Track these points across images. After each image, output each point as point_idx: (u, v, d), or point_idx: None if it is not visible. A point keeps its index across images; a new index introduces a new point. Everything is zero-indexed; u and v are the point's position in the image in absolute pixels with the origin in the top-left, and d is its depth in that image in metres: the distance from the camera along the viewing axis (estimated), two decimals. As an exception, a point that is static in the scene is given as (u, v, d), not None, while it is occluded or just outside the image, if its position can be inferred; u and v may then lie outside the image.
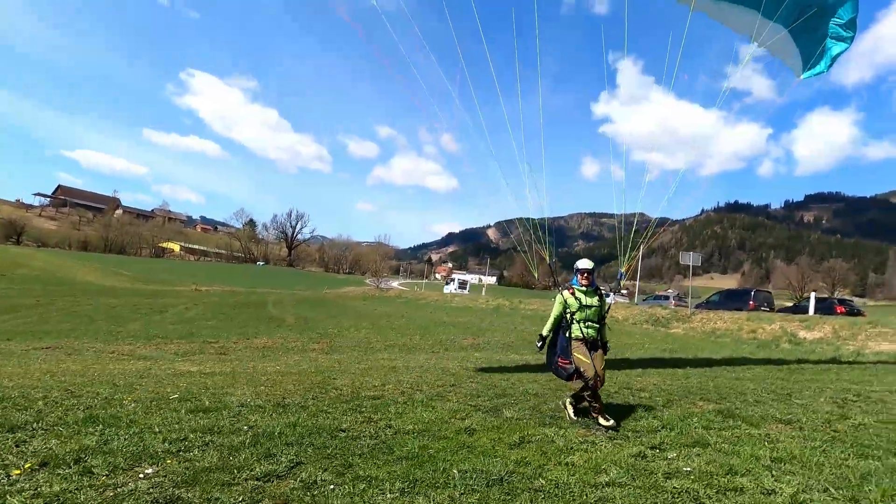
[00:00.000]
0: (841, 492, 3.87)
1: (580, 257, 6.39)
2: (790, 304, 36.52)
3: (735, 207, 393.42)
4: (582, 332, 5.89)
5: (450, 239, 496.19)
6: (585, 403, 5.87)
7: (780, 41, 8.91)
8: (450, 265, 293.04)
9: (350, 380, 7.74)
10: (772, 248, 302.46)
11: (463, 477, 3.91)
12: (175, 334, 17.63)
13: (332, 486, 3.68)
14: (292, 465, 4.07)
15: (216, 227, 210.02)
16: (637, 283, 53.19)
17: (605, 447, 4.80)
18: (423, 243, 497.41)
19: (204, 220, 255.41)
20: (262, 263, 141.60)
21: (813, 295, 26.03)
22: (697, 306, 32.80)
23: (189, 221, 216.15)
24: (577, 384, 6.01)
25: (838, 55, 8.81)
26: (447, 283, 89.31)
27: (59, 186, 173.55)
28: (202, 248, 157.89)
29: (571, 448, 4.74)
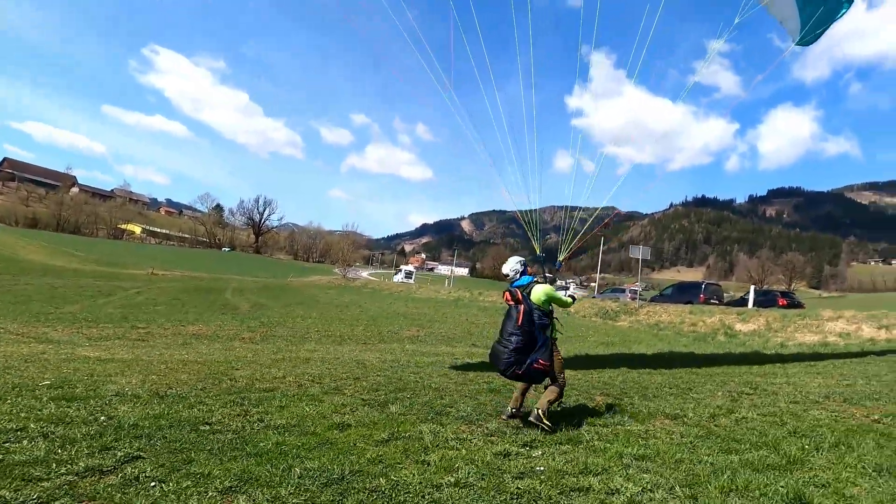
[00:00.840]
0: (684, 489, 3.86)
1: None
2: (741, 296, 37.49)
3: (702, 202, 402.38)
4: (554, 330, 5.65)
5: (424, 230, 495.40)
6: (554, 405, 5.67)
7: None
8: (423, 256, 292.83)
9: (252, 371, 7.52)
10: (736, 242, 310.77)
11: (302, 476, 3.77)
12: (108, 319, 17.00)
13: (153, 483, 3.49)
14: (126, 459, 3.86)
15: (181, 211, 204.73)
16: (598, 275, 53.94)
17: (473, 445, 4.72)
18: (397, 233, 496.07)
19: (169, 202, 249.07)
20: (227, 249, 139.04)
21: (752, 288, 26.74)
22: (653, 299, 33.41)
23: (153, 204, 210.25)
24: (551, 392, 5.47)
25: (833, 20, 8.03)
26: (396, 273, 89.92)
27: (4, 159, 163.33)
28: (165, 231, 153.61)
29: (437, 446, 4.63)
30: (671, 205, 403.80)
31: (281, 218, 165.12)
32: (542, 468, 4.17)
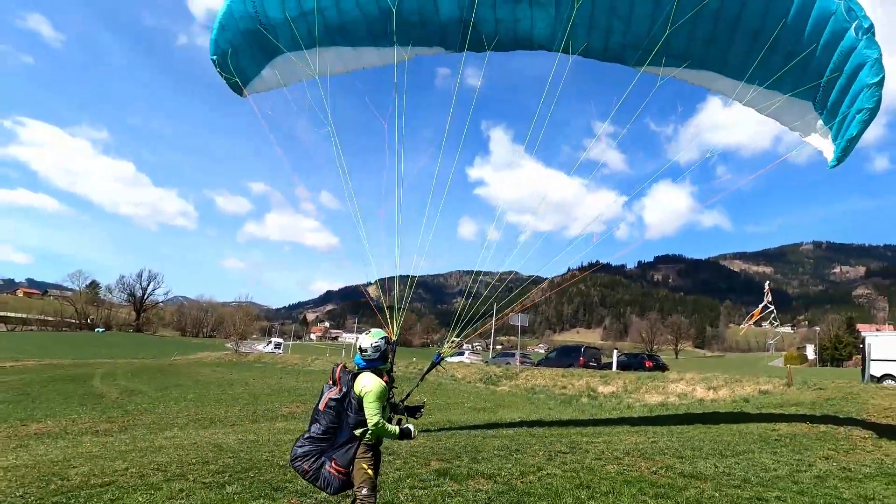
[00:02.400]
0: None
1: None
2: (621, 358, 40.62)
3: (597, 266, 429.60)
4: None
5: (329, 297, 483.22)
6: None
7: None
8: (326, 324, 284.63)
9: (91, 466, 7.42)
10: (628, 304, 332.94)
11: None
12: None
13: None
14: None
15: (46, 291, 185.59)
16: (492, 340, 55.89)
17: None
18: (300, 302, 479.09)
19: (31, 282, 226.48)
20: (101, 330, 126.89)
21: (615, 352, 29.36)
22: (539, 362, 35.28)
23: (8, 285, 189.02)
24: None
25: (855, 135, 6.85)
26: (266, 345, 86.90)
27: None
28: (22, 315, 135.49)
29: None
30: (569, 269, 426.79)
31: (168, 292, 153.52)
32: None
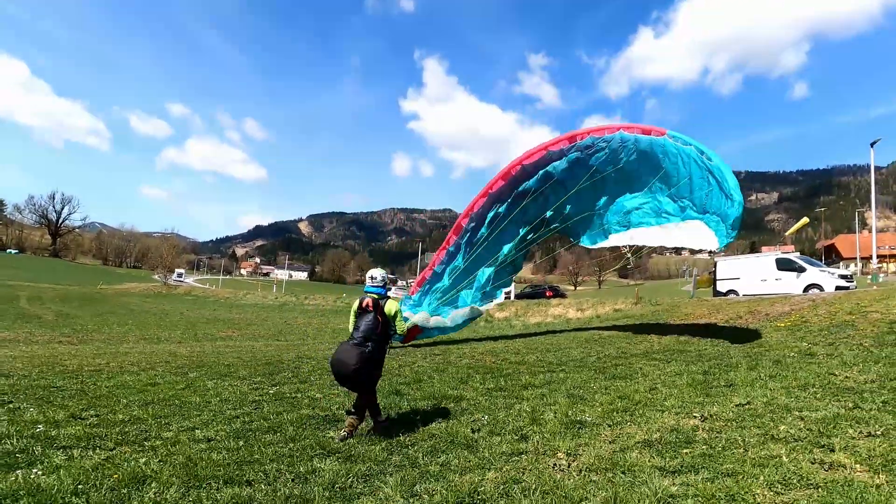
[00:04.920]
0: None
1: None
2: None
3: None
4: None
5: (258, 232, 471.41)
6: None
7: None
8: (257, 260, 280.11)
9: (79, 361, 9.95)
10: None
11: (128, 404, 6.82)
12: None
13: (31, 410, 6.31)
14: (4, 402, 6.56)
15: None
16: (417, 275, 59.56)
17: (238, 389, 8.09)
18: (228, 236, 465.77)
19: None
20: (14, 252, 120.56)
21: (513, 285, 33.60)
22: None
23: None
24: (370, 405, 5.72)
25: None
26: (173, 277, 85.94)
27: None
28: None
29: (216, 390, 7.92)
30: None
31: (85, 218, 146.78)
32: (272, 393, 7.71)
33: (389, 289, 6.18)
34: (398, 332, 5.89)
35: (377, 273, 6.00)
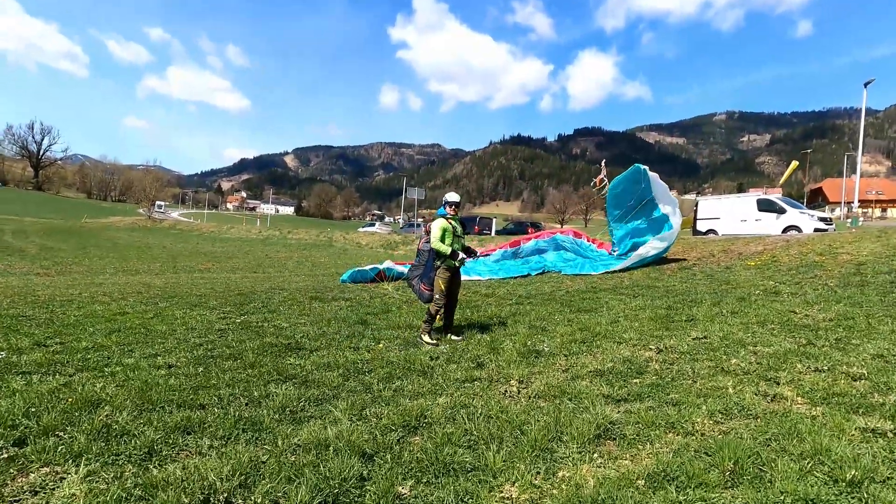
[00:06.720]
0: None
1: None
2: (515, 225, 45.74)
3: (518, 140, 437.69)
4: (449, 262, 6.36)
5: (244, 165, 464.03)
6: (439, 322, 6.82)
7: None
8: (243, 194, 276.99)
9: (52, 291, 9.93)
10: (546, 177, 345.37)
11: (93, 333, 6.83)
12: None
13: (-3, 340, 6.32)
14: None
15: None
16: (402, 212, 59.34)
17: (206, 317, 8.12)
18: (213, 169, 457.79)
19: None
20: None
21: (494, 220, 33.85)
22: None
23: None
24: (433, 307, 6.41)
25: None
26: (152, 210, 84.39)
27: None
28: None
29: (183, 318, 7.95)
30: (490, 143, 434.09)
31: (66, 149, 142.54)
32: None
33: (417, 224, 7.14)
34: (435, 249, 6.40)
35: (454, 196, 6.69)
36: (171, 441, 3.46)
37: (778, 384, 4.52)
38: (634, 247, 14.71)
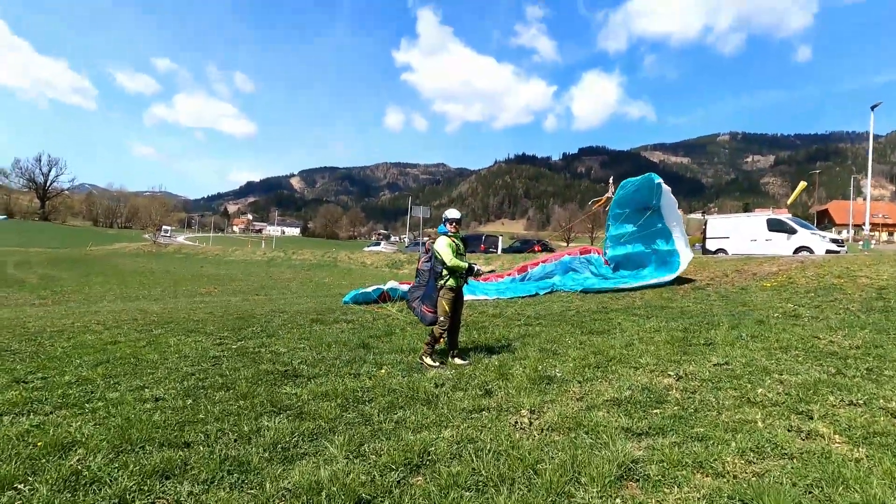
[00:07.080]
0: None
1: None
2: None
3: (523, 159, 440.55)
4: (456, 282, 6.10)
5: (249, 188, 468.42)
6: (442, 345, 6.47)
7: None
8: (249, 216, 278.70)
9: (44, 322, 9.64)
10: (552, 196, 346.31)
11: (78, 365, 6.52)
12: None
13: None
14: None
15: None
16: (407, 231, 59.29)
17: (201, 343, 7.80)
18: (219, 193, 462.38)
19: None
20: (2, 217, 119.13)
21: (500, 238, 33.49)
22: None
23: None
24: (438, 329, 6.11)
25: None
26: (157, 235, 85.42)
27: None
28: None
29: (177, 346, 7.63)
30: (495, 161, 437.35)
31: (73, 179, 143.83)
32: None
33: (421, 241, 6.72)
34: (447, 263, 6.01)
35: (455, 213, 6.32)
36: (146, 488, 3.11)
37: (811, 419, 4.13)
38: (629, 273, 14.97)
